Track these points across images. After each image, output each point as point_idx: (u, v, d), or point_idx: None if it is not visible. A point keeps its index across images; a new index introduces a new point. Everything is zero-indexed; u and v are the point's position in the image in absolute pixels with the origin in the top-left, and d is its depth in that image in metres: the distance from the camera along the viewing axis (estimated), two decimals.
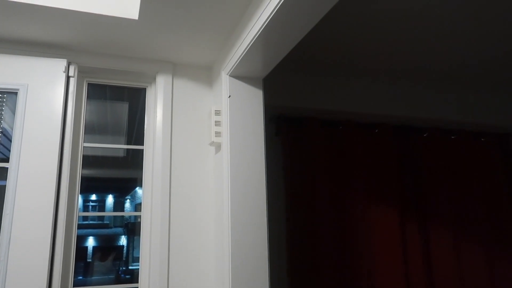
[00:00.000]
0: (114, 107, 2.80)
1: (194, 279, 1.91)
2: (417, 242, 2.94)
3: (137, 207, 2.40)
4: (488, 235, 3.14)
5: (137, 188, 2.44)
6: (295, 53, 2.41)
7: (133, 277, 2.17)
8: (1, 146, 1.81)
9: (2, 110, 1.83)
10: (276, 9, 1.32)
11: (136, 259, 2.19)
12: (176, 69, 2.13)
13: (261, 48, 1.62)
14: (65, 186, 1.85)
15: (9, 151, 1.79)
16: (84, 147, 2.08)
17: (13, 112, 1.83)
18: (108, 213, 2.39)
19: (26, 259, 1.65)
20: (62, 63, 1.91)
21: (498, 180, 3.31)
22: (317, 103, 2.82)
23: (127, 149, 2.94)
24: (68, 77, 1.95)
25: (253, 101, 1.86)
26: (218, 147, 1.94)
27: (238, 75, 1.87)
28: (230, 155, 1.76)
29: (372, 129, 3.04)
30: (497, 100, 3.27)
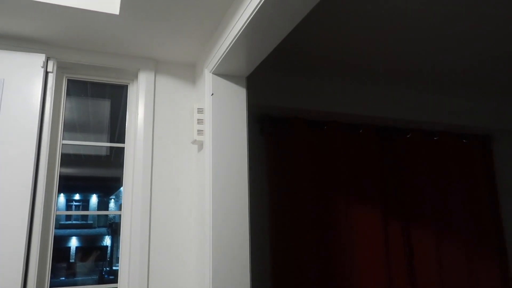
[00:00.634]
0: (96, 104, 2.74)
1: (175, 278, 1.88)
2: (399, 241, 2.96)
3: (121, 207, 2.36)
4: (468, 234, 3.18)
5: (121, 188, 2.40)
6: (280, 53, 2.40)
7: (117, 277, 2.14)
8: None
9: None
10: (258, 7, 1.31)
11: None
12: (159, 66, 2.10)
13: (244, 46, 1.60)
14: (42, 185, 1.80)
15: None
16: (63, 144, 2.03)
17: None
18: (88, 212, 2.35)
19: None
20: (40, 58, 1.87)
21: (478, 180, 3.37)
22: (302, 103, 2.82)
23: (111, 148, 2.89)
24: (46, 73, 1.90)
25: (236, 99, 1.84)
26: (200, 145, 1.91)
27: (221, 73, 1.85)
28: (212, 153, 1.73)
29: (356, 130, 3.05)
30: (479, 103, 3.32)
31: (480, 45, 2.37)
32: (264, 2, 1.28)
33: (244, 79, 1.89)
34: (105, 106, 2.77)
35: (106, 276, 2.24)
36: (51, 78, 1.91)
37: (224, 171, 1.73)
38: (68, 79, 2.09)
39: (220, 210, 1.68)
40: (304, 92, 2.82)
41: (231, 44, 1.59)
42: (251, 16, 1.37)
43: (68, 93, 2.21)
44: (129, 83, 2.15)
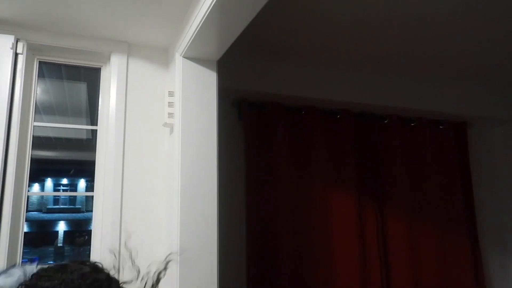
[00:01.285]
0: (71, 87, 2.73)
1: (146, 255, 1.90)
2: (374, 224, 3.02)
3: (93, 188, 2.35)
4: (441, 218, 3.26)
5: None
6: (257, 39, 2.40)
7: None
8: None
9: None
10: None
11: None
12: (132, 49, 2.09)
13: (212, 28, 1.61)
14: (12, 168, 1.80)
15: None
16: (41, 128, 2.03)
17: None
18: (57, 193, 2.34)
19: None
20: (9, 39, 1.85)
21: (453, 166, 3.43)
22: (280, 89, 2.83)
23: (92, 131, 2.88)
24: (16, 54, 1.89)
25: (206, 83, 1.86)
26: (171, 128, 1.93)
27: (191, 56, 1.85)
28: (182, 136, 1.75)
29: (334, 115, 3.09)
30: (455, 90, 3.37)
31: (458, 32, 2.40)
32: None
33: (214, 63, 1.90)
34: (81, 88, 2.76)
35: None
36: (21, 59, 1.90)
37: (193, 153, 1.75)
38: (39, 61, 2.07)
39: (188, 190, 1.71)
40: (282, 77, 2.83)
41: (199, 27, 1.60)
42: None
43: (42, 75, 2.20)
44: (101, 66, 2.14)
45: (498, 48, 2.66)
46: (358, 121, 3.16)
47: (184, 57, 1.85)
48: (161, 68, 2.12)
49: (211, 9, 1.46)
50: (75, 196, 10.41)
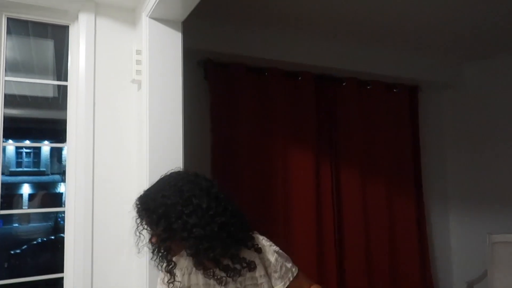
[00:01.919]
0: (38, 44, 2.76)
1: (117, 218, 2.05)
2: (329, 181, 3.31)
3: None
4: (391, 176, 3.59)
5: None
6: (222, 0, 2.51)
7: None
8: None
9: None
10: None
11: None
12: (99, 8, 2.16)
13: None
14: None
15: None
16: (6, 81, 2.10)
17: None
18: (36, 144, 2.45)
19: None
20: None
21: (404, 127, 3.74)
22: (245, 50, 2.97)
23: (58, 90, 2.93)
24: None
25: (171, 43, 1.98)
26: (139, 84, 2.07)
27: (157, 17, 1.96)
28: (149, 91, 1.90)
29: (296, 77, 3.27)
30: (409, 55, 3.61)
31: (412, 1, 2.59)
32: None
33: (179, 24, 2.02)
34: (48, 46, 2.80)
35: (61, 222, 2.26)
36: None
37: (159, 107, 1.91)
38: (7, 18, 2.12)
39: (156, 142, 1.88)
40: (246, 39, 2.97)
41: None
42: None
43: (9, 32, 2.24)
44: (69, 24, 2.21)
45: (448, 17, 2.88)
46: (318, 83, 3.36)
47: (150, 17, 1.96)
48: (128, 27, 2.21)
49: None
50: (39, 159, 10.28)
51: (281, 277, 1.26)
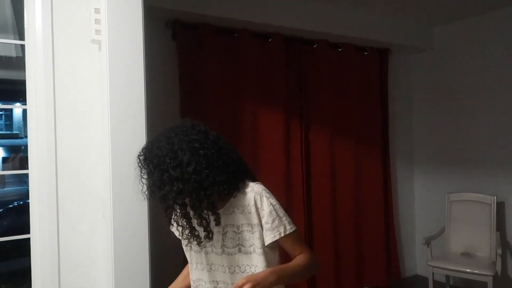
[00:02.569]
0: None
1: (81, 177, 2.05)
2: (298, 140, 3.37)
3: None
4: (359, 135, 3.68)
5: None
6: None
7: None
8: None
9: None
10: None
11: None
12: None
13: None
14: None
15: None
16: None
17: None
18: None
19: None
20: None
21: (374, 89, 3.80)
22: (214, 10, 2.91)
23: (22, 49, 2.82)
24: None
25: (132, 1, 1.93)
26: (100, 45, 2.02)
27: None
28: (109, 51, 1.86)
29: (266, 39, 3.24)
30: (380, 18, 3.61)
31: None
32: None
33: None
34: (5, 2, 2.67)
35: None
36: None
37: (120, 67, 1.88)
38: None
39: (117, 104, 1.87)
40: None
41: None
42: None
43: None
44: None
45: None
46: (289, 44, 3.35)
47: None
48: None
49: None
50: (12, 122, 10.00)
51: (271, 229, 1.25)
